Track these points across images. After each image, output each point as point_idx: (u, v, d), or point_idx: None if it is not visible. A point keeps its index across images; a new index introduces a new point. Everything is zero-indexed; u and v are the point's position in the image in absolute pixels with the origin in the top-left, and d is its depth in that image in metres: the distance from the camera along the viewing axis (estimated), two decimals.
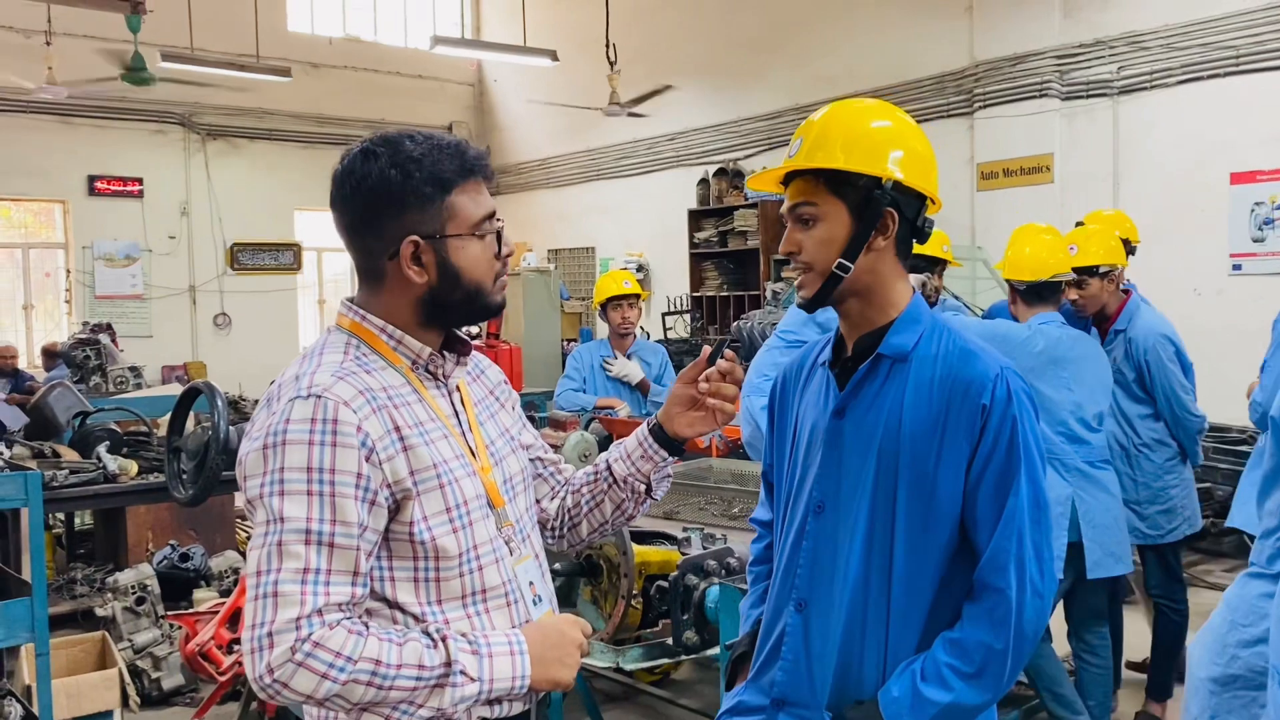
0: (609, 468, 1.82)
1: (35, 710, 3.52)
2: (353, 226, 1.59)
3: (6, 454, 4.87)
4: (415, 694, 1.46)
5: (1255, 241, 7.32)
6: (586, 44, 10.39)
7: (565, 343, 10.69)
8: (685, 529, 3.25)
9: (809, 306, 1.75)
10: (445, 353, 1.65)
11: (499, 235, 1.62)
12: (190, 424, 4.19)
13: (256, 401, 6.12)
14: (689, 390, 1.76)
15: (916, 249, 1.81)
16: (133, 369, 7.67)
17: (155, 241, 12.66)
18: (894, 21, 9.53)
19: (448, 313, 1.62)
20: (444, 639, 1.48)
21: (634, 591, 2.96)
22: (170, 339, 12.63)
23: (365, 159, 1.56)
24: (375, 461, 1.48)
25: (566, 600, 3.10)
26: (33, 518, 3.50)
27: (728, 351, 1.75)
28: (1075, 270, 3.80)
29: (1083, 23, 8.19)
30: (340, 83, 13.48)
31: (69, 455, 5.07)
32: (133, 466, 5.02)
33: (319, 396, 1.47)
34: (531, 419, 1.92)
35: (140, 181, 12.55)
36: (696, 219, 11.21)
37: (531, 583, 1.66)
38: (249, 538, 1.51)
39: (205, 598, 4.95)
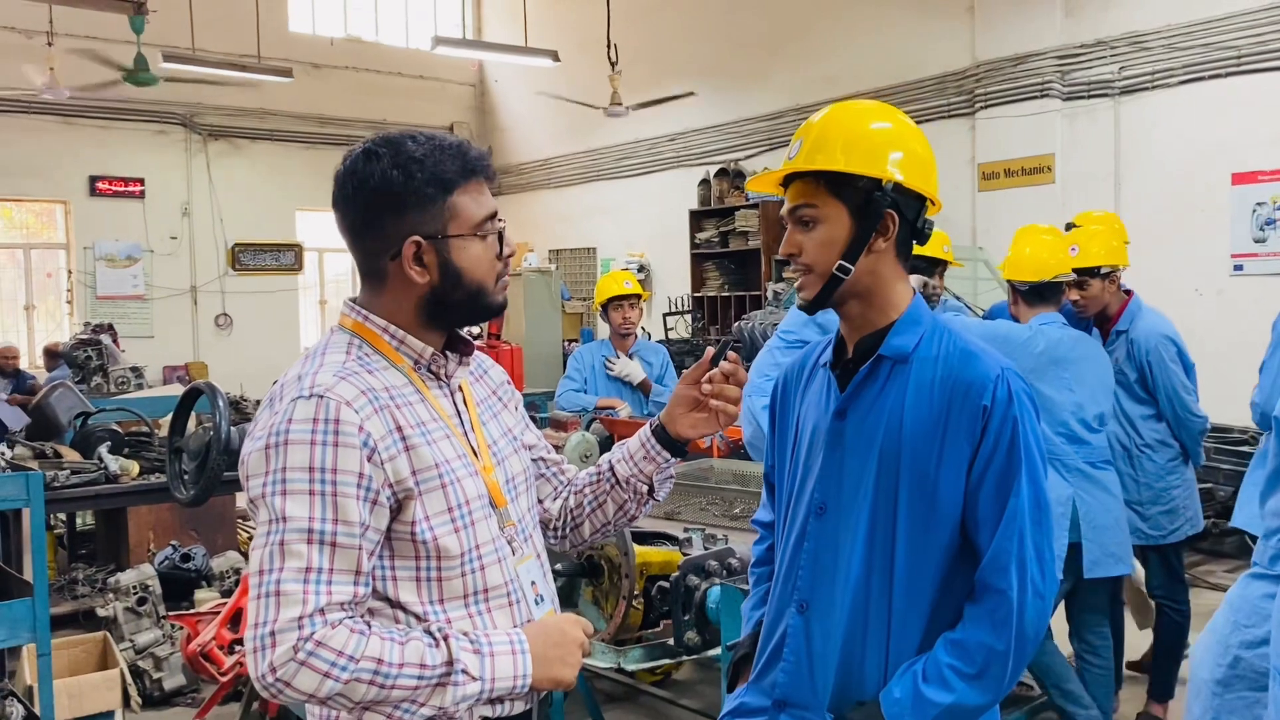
0: (611, 468, 1.82)
1: (37, 710, 3.52)
2: (355, 227, 1.59)
3: (8, 454, 4.87)
4: (417, 693, 1.46)
5: (1256, 242, 7.32)
6: (587, 44, 10.39)
7: (566, 343, 10.71)
8: (686, 529, 3.25)
9: (809, 308, 1.75)
10: (447, 353, 1.65)
11: (501, 236, 1.63)
12: (192, 424, 4.19)
13: (258, 402, 6.12)
14: (692, 391, 1.77)
15: (917, 250, 1.81)
16: (134, 369, 7.67)
17: (156, 242, 12.67)
18: (895, 22, 9.53)
19: (449, 313, 1.62)
20: (446, 638, 1.48)
21: (635, 592, 2.96)
22: (172, 339, 12.64)
23: (367, 159, 1.56)
24: (377, 461, 1.48)
25: (568, 601, 3.10)
26: (34, 518, 3.50)
27: (730, 353, 1.75)
28: (1076, 271, 3.80)
29: (1084, 23, 8.19)
30: (341, 83, 13.49)
31: (70, 456, 5.07)
32: (134, 467, 5.03)
33: (321, 396, 1.47)
34: (532, 419, 1.92)
35: (142, 182, 12.57)
36: (697, 219, 11.21)
37: (533, 582, 1.66)
38: (250, 538, 1.51)
39: (206, 598, 4.95)
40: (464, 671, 1.47)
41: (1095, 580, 3.62)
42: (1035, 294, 3.65)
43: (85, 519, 6.40)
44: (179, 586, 5.15)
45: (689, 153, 11.76)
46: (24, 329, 12.38)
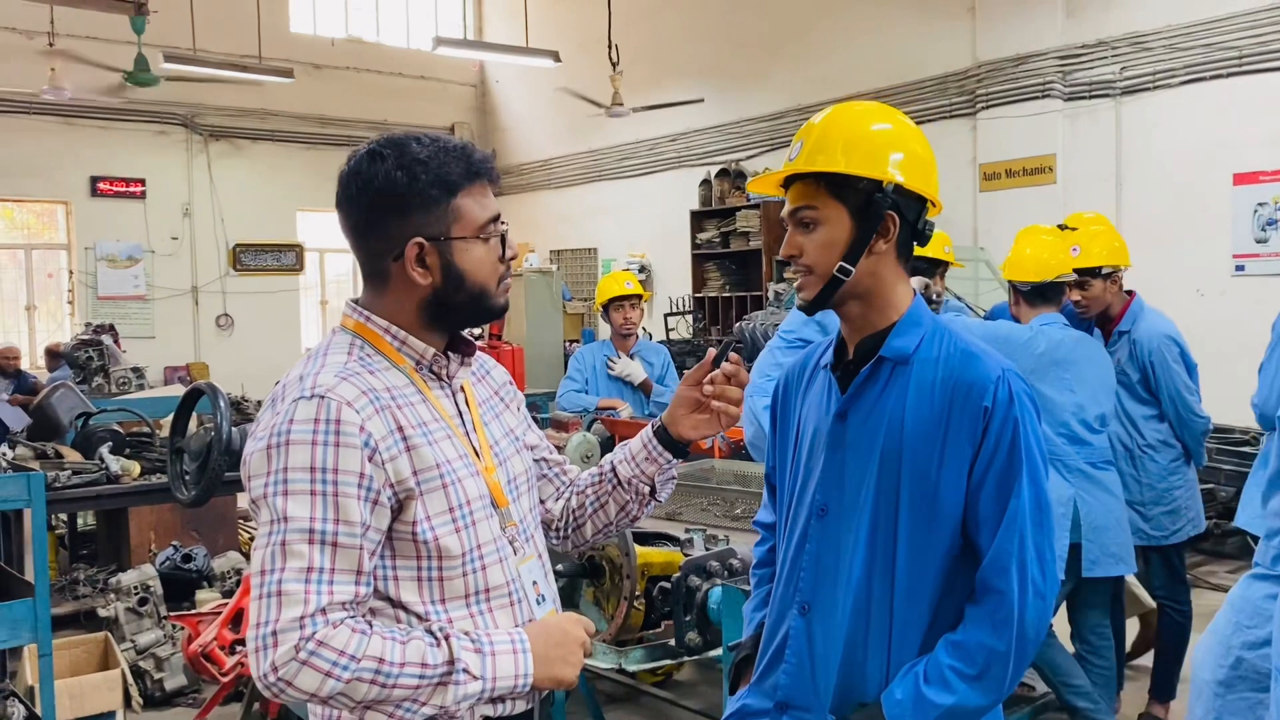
0: (613, 469, 1.82)
1: (38, 711, 3.52)
2: (358, 227, 1.60)
3: (9, 455, 4.88)
4: (418, 692, 1.46)
5: (1258, 242, 7.32)
6: (588, 44, 10.40)
7: (567, 343, 10.71)
8: (688, 530, 3.25)
9: (809, 309, 1.75)
10: (449, 353, 1.65)
11: (503, 238, 1.63)
12: (193, 425, 4.19)
13: (259, 402, 6.13)
14: (693, 393, 1.77)
15: (918, 251, 1.81)
16: (135, 370, 7.67)
17: (158, 242, 12.68)
18: (896, 22, 9.53)
19: (452, 314, 1.62)
20: (447, 637, 1.49)
21: (636, 592, 2.96)
22: (173, 340, 12.65)
23: (372, 161, 1.57)
24: (378, 461, 1.48)
25: (569, 601, 3.10)
26: (35, 518, 3.50)
27: (732, 354, 1.75)
28: (1077, 271, 3.80)
29: (1085, 23, 8.19)
30: (342, 84, 13.49)
31: (72, 456, 5.08)
32: (135, 467, 5.03)
33: (322, 397, 1.48)
34: (534, 420, 1.92)
35: (143, 182, 12.58)
36: (698, 220, 11.21)
37: (535, 582, 1.66)
38: (251, 538, 1.52)
39: (208, 598, 4.95)
40: (465, 671, 1.48)
41: (1096, 580, 3.62)
42: (1036, 294, 3.65)
43: (86, 519, 6.41)
44: (180, 587, 5.16)
45: (690, 153, 11.77)
46: (25, 329, 12.39)
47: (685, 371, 1.82)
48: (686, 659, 3.08)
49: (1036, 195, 8.34)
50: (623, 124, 10.96)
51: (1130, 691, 4.19)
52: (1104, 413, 3.67)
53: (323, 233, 13.50)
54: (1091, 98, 8.15)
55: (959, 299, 4.55)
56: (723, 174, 11.01)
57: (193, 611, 4.56)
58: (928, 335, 1.70)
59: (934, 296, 3.51)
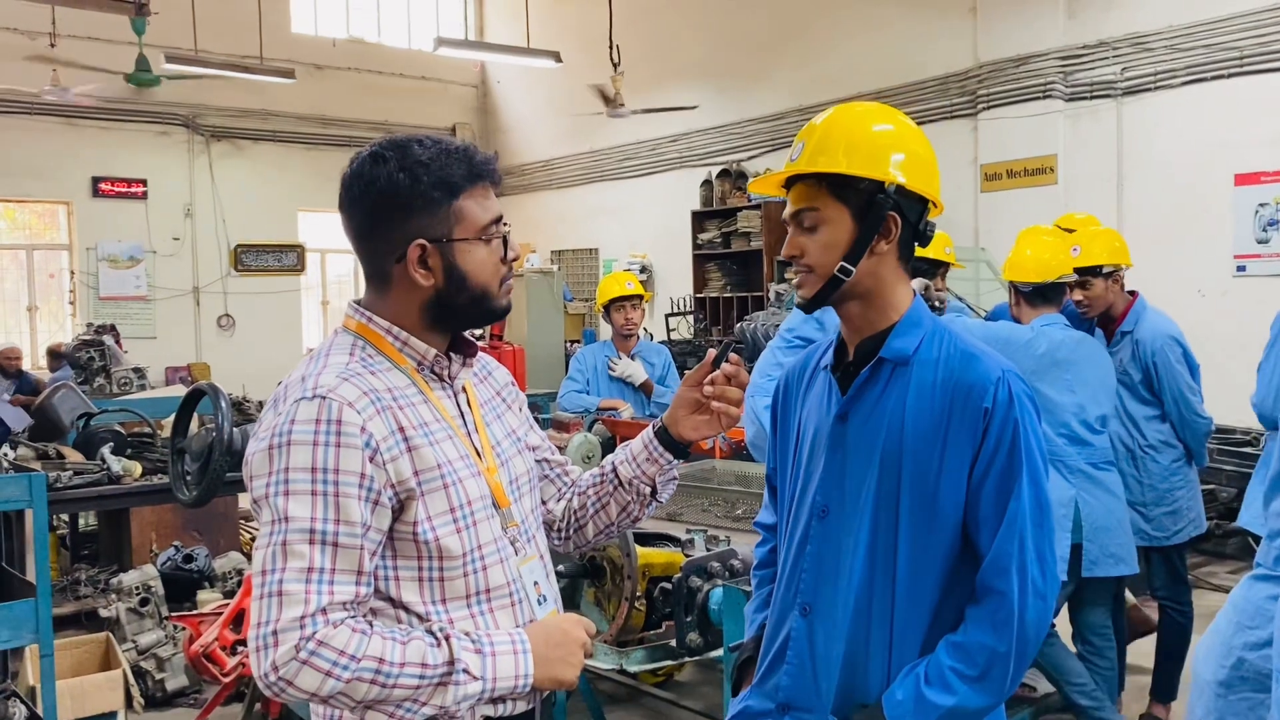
0: (614, 470, 1.83)
1: (40, 711, 3.52)
2: (361, 229, 1.60)
3: (11, 455, 4.88)
4: (419, 692, 1.47)
5: (1259, 243, 7.32)
6: (589, 45, 10.40)
7: (568, 344, 10.71)
8: (689, 531, 3.25)
9: (807, 307, 1.75)
10: (451, 354, 1.66)
11: (505, 239, 1.63)
12: (194, 425, 4.20)
13: (260, 403, 6.13)
14: (694, 393, 1.77)
15: (919, 251, 1.81)
16: (136, 370, 7.68)
17: (159, 243, 12.69)
18: (897, 22, 9.53)
19: (454, 316, 1.62)
20: (447, 638, 1.49)
21: (637, 593, 2.96)
22: (174, 340, 12.66)
23: (374, 162, 1.57)
24: (379, 462, 1.49)
25: (570, 602, 3.10)
26: (37, 519, 3.51)
27: (732, 355, 1.75)
28: (1078, 271, 3.80)
29: (1087, 24, 8.18)
30: (344, 84, 13.50)
31: (73, 456, 5.08)
32: (137, 468, 5.04)
33: (324, 398, 1.48)
34: (535, 420, 1.92)
35: (144, 183, 12.59)
36: (700, 220, 11.22)
37: (536, 583, 1.67)
38: (252, 539, 1.52)
39: (209, 599, 4.96)
40: (465, 671, 1.48)
41: (1098, 581, 3.62)
42: (1037, 295, 3.65)
43: (88, 520, 6.41)
44: (181, 587, 5.16)
45: (691, 153, 11.77)
46: (27, 330, 12.41)
47: (686, 372, 1.82)
48: (687, 660, 3.09)
49: (1038, 196, 8.34)
50: (624, 124, 10.96)
51: (1131, 692, 4.19)
52: (1105, 413, 3.67)
53: (324, 233, 13.51)
54: (1093, 98, 8.15)
55: (960, 299, 4.55)
56: (724, 174, 11.01)
57: (194, 612, 4.57)
58: (928, 336, 1.70)
59: (936, 302, 3.51)
